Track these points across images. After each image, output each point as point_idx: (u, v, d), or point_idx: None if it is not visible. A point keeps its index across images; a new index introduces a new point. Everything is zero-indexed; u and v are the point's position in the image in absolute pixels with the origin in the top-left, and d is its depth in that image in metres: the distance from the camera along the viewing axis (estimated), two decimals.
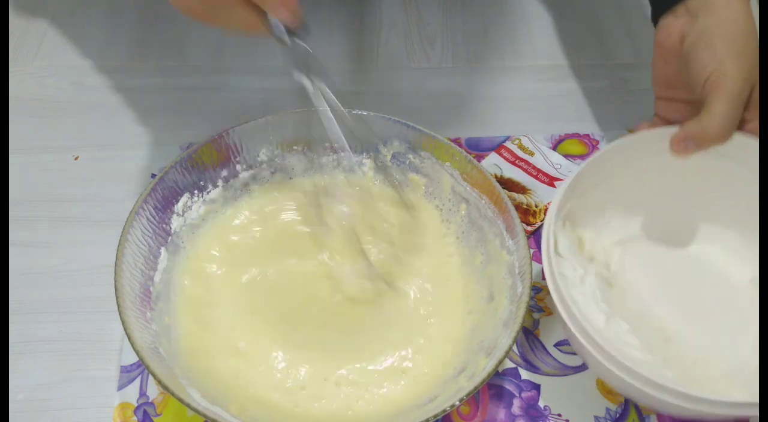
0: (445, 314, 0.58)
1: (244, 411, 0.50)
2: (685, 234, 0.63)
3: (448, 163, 0.61)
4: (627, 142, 0.58)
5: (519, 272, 0.53)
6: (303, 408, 0.53)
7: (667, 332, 0.57)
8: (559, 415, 0.56)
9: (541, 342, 0.60)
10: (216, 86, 0.78)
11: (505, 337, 0.50)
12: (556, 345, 0.59)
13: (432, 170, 0.62)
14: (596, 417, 0.56)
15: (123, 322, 0.48)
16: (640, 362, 0.53)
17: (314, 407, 0.53)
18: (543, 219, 0.65)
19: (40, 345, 0.59)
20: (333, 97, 0.54)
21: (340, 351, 0.56)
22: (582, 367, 0.58)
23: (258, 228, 0.62)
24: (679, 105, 0.61)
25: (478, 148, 0.72)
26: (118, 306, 0.49)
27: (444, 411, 0.46)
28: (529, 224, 0.66)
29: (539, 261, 0.58)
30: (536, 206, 0.67)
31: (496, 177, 0.68)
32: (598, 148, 0.73)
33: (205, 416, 0.45)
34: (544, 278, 0.62)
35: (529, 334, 0.60)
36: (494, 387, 0.57)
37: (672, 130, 0.56)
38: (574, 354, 0.59)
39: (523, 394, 0.57)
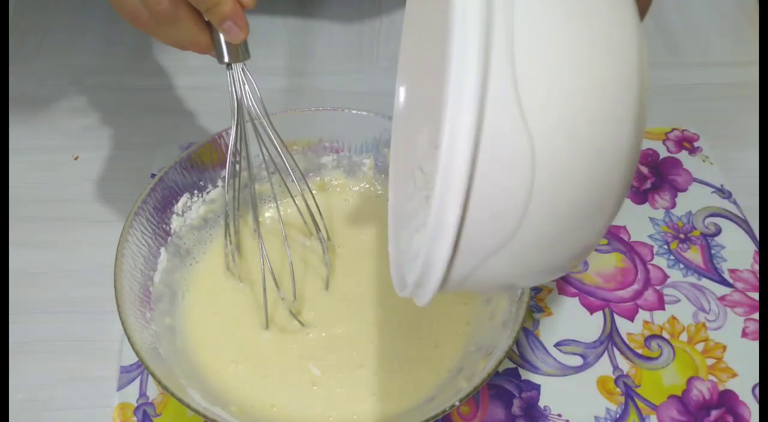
0: (445, 314, 0.58)
1: (244, 412, 0.50)
2: None
3: None
4: None
5: None
6: (301, 408, 0.53)
7: None
8: (559, 415, 0.56)
9: (541, 342, 0.59)
10: (216, 86, 0.78)
11: (505, 337, 0.50)
12: (557, 345, 0.59)
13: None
14: (596, 417, 0.56)
15: (122, 322, 0.48)
16: None
17: (314, 407, 0.53)
18: None
19: (40, 345, 0.59)
20: (267, 124, 0.53)
21: (341, 352, 0.56)
22: (582, 367, 0.58)
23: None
24: None
25: None
26: (118, 306, 0.49)
27: (444, 411, 0.46)
28: None
29: None
30: None
31: None
32: None
33: (205, 416, 0.45)
34: None
35: (529, 334, 0.60)
36: (494, 388, 0.57)
37: None
38: (575, 354, 0.59)
39: (523, 394, 0.57)
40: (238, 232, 0.61)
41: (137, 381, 0.56)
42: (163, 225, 0.58)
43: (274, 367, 0.55)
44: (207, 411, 0.46)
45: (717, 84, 0.81)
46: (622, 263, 0.65)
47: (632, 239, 0.66)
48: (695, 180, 0.71)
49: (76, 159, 0.71)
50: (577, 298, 0.62)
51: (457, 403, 0.46)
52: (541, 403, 0.57)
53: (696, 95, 0.80)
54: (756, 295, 0.62)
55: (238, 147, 0.54)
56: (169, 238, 0.58)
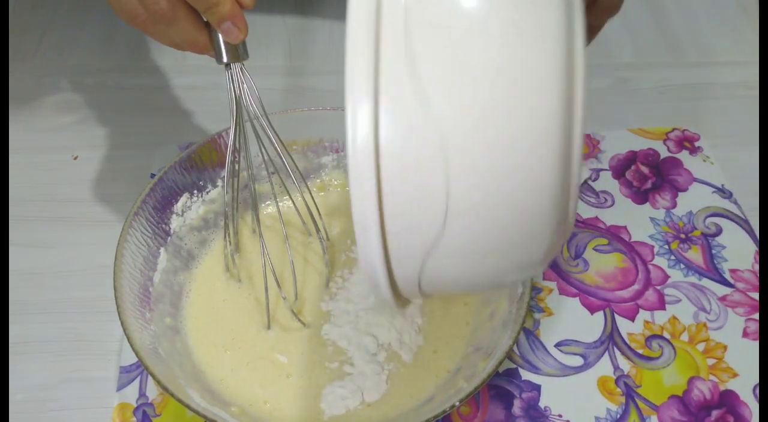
0: (445, 315, 0.58)
1: (244, 412, 0.50)
2: None
3: None
4: None
5: None
6: (299, 407, 0.53)
7: None
8: (560, 416, 0.56)
9: (541, 343, 0.59)
10: (216, 86, 0.78)
11: (506, 338, 0.49)
12: (557, 345, 0.59)
13: None
14: (597, 418, 0.56)
15: (122, 323, 0.48)
16: None
17: (312, 406, 0.52)
18: None
19: (40, 345, 0.59)
20: (266, 125, 0.53)
21: (341, 351, 0.56)
22: (583, 367, 0.58)
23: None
24: None
25: None
26: (118, 306, 0.49)
27: (444, 411, 0.45)
28: None
29: None
30: None
31: None
32: (598, 148, 0.73)
33: (204, 416, 0.45)
34: (544, 278, 0.62)
35: (529, 334, 0.60)
36: (494, 388, 0.57)
37: None
38: (575, 354, 0.59)
39: (524, 395, 0.57)
40: (237, 233, 0.60)
41: (137, 382, 0.56)
42: (163, 225, 0.58)
43: (274, 366, 0.55)
44: (206, 412, 0.46)
45: (717, 84, 0.81)
46: (623, 263, 0.64)
47: (633, 239, 0.66)
48: (696, 180, 0.71)
49: (75, 159, 0.71)
50: (577, 298, 0.62)
51: (457, 403, 0.46)
52: (542, 403, 0.56)
53: (696, 95, 0.80)
54: (756, 295, 0.62)
55: (237, 147, 0.54)
56: (169, 238, 0.58)
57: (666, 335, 0.60)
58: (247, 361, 0.55)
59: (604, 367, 0.58)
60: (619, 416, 0.56)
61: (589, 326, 0.60)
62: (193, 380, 0.52)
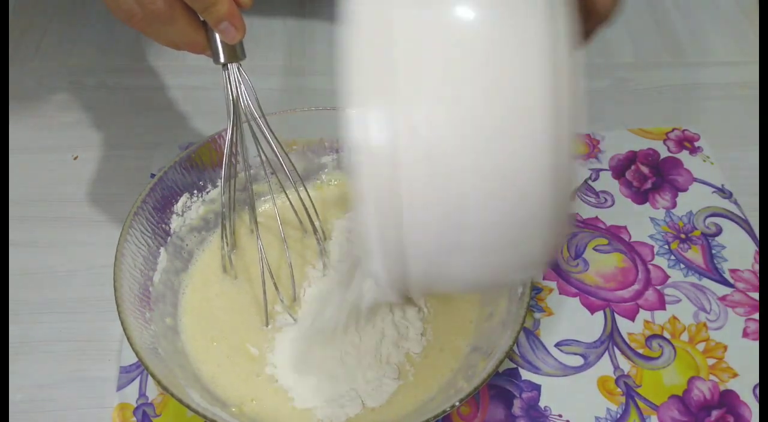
0: (449, 310, 0.58)
1: (243, 413, 0.50)
2: None
3: None
4: None
5: None
6: (297, 407, 0.52)
7: None
8: (560, 415, 0.56)
9: (541, 342, 0.59)
10: (215, 86, 0.78)
11: (506, 338, 0.49)
12: (557, 345, 0.59)
13: None
14: (597, 418, 0.56)
15: (122, 323, 0.48)
16: None
17: (310, 406, 0.52)
18: None
19: (40, 345, 0.59)
20: (264, 125, 0.53)
21: (340, 352, 0.55)
22: (583, 367, 0.58)
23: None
24: None
25: None
26: (118, 306, 0.49)
27: (444, 411, 0.45)
28: None
29: None
30: None
31: None
32: (598, 148, 0.73)
33: (204, 416, 0.45)
34: (544, 278, 0.62)
35: (529, 334, 0.60)
36: (494, 388, 0.57)
37: None
38: (575, 354, 0.59)
39: (524, 395, 0.57)
40: (234, 233, 0.60)
41: (137, 382, 0.56)
42: (163, 225, 0.58)
43: (254, 362, 0.55)
44: (206, 412, 0.46)
45: (717, 84, 0.81)
46: (623, 263, 0.64)
47: (633, 239, 0.66)
48: (696, 180, 0.71)
49: (75, 159, 0.71)
50: (577, 298, 0.62)
51: (457, 403, 0.45)
52: (542, 403, 0.56)
53: (696, 95, 0.80)
54: (756, 295, 0.62)
55: (235, 149, 0.54)
56: (169, 238, 0.58)
57: (666, 335, 0.60)
58: (227, 354, 0.55)
59: (604, 367, 0.58)
60: (619, 416, 0.56)
61: (589, 326, 0.60)
62: (193, 380, 0.52)
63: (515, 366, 0.58)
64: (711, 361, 0.58)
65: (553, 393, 0.57)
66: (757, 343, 0.59)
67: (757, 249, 0.65)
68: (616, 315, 0.61)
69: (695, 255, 0.65)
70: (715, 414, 0.56)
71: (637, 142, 0.74)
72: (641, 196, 0.69)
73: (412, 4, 0.32)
